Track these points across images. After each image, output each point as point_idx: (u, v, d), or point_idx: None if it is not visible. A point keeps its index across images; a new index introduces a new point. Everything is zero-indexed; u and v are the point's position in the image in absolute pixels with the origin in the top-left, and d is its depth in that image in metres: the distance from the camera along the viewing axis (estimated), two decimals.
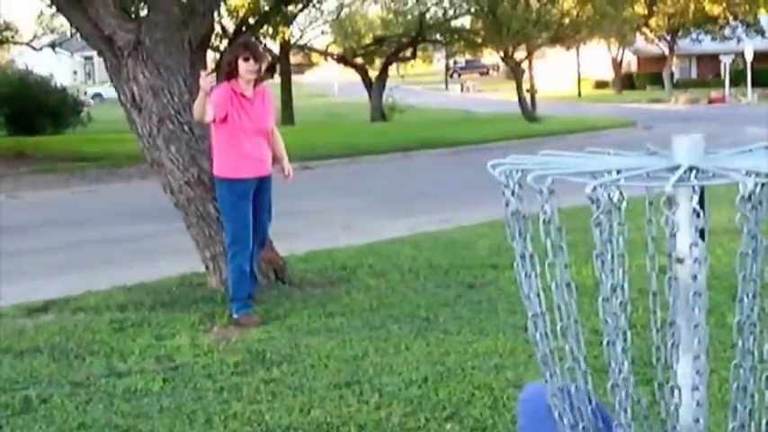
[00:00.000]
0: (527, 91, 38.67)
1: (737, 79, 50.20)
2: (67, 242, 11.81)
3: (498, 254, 9.36)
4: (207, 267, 8.33)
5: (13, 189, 17.92)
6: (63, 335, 7.03)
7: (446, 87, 75.47)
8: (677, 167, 1.77)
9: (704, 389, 1.84)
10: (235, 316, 7.25)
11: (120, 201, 16.42)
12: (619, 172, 1.77)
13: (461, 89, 70.57)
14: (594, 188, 1.69)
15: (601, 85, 65.53)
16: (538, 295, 2.06)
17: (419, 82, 79.58)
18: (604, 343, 1.86)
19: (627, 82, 62.41)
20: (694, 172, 1.77)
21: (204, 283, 8.40)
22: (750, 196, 1.69)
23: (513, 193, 1.82)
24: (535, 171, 1.76)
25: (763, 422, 1.85)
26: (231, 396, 5.57)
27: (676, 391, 1.81)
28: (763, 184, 1.85)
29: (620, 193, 1.77)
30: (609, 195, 1.72)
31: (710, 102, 47.63)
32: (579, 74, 60.09)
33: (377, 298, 7.90)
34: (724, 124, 29.74)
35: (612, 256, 1.81)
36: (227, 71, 7.29)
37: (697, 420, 1.80)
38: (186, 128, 8.07)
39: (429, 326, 7.00)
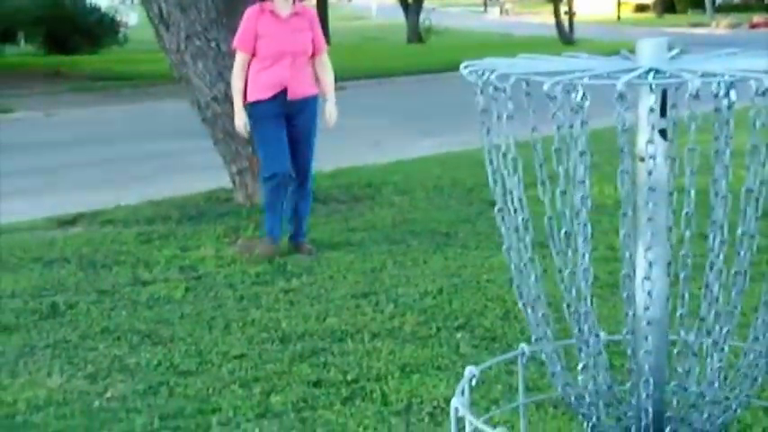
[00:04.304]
0: (565, 14, 38.26)
1: None
2: (99, 159, 12.00)
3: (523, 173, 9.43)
4: (233, 182, 8.49)
5: (49, 107, 18.12)
6: (91, 246, 7.22)
7: (485, 10, 74.73)
8: (637, 69, 1.85)
9: (660, 280, 1.94)
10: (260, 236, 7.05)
11: (152, 119, 16.58)
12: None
13: (500, 12, 69.91)
14: (553, 86, 1.77)
15: (641, 8, 64.65)
16: (513, 197, 2.16)
17: (457, 4, 78.86)
18: (561, 233, 1.96)
19: (668, 5, 61.50)
20: (653, 73, 1.85)
21: (231, 198, 8.57)
22: (697, 94, 1.77)
23: (481, 92, 1.91)
24: (500, 70, 1.85)
25: (712, 312, 1.96)
26: (250, 304, 5.74)
27: (630, 281, 1.92)
28: (729, 86, 1.93)
29: (584, 93, 1.86)
30: (571, 93, 1.81)
31: (753, 26, 46.90)
32: None
33: (399, 214, 8.03)
34: (765, 49, 29.29)
35: (577, 154, 1.91)
36: None
37: (647, 308, 1.91)
38: (213, 44, 8.17)
39: (448, 241, 7.13)
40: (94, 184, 10.19)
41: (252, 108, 6.70)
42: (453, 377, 4.54)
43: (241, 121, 6.70)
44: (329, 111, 6.83)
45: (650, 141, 1.92)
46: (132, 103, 19.29)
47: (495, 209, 2.12)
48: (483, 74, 1.95)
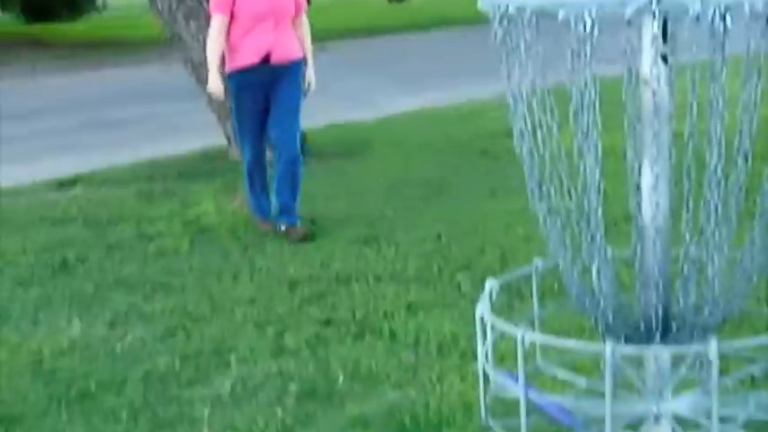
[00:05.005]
0: None
1: None
2: (90, 123, 12.09)
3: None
4: (228, 140, 8.64)
5: (33, 74, 18.16)
6: (93, 205, 7.39)
7: None
8: None
9: (664, 192, 2.14)
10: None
11: (139, 84, 16.62)
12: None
13: None
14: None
15: None
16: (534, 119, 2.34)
17: None
18: (575, 153, 2.15)
19: None
20: (656, 1, 2.03)
21: (226, 155, 8.72)
22: (698, 17, 1.95)
23: (499, 23, 2.09)
24: (516, 2, 2.03)
25: (712, 221, 2.16)
26: (256, 253, 5.93)
27: (638, 190, 2.12)
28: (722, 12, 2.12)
29: (593, 21, 2.03)
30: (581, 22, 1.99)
31: None
32: None
33: (393, 166, 8.22)
34: None
35: (585, 81, 2.09)
36: None
37: (654, 218, 2.11)
38: (206, 4, 8.27)
39: (443, 190, 7.32)
40: (88, 147, 10.31)
41: (231, 79, 6.27)
42: (457, 314, 4.76)
43: (217, 84, 6.20)
44: (308, 76, 6.41)
45: (654, 65, 2.10)
46: (117, 68, 19.31)
47: (515, 131, 2.30)
48: (498, 6, 2.12)
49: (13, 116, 12.83)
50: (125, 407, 3.99)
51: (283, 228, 6.25)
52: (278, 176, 6.31)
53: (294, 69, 6.33)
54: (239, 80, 6.24)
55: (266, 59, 6.21)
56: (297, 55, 6.34)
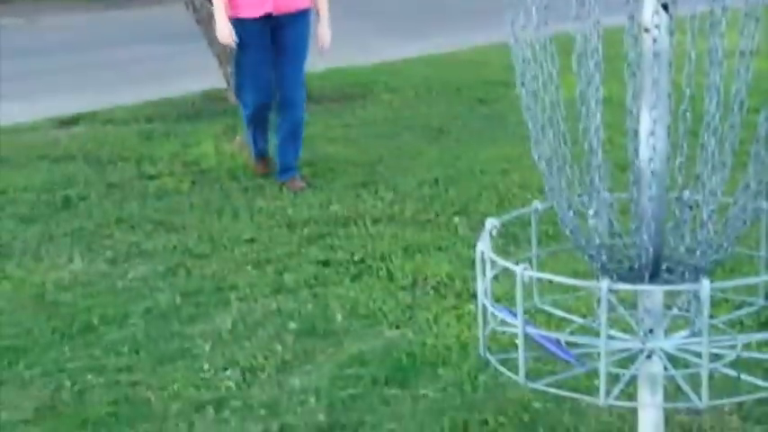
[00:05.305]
0: None
1: None
2: (91, 63, 12.07)
3: (511, 72, 9.63)
4: (228, 82, 8.65)
5: (31, 14, 18.08)
6: (94, 143, 7.43)
7: None
8: None
9: (661, 136, 2.20)
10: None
11: (140, 25, 16.57)
12: None
13: None
14: None
15: None
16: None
17: None
18: (577, 94, 2.21)
19: None
20: None
21: (226, 97, 8.75)
22: None
23: None
24: None
25: (708, 166, 2.23)
26: (255, 194, 6.00)
27: (636, 136, 2.18)
28: None
29: None
30: None
31: None
32: None
33: (392, 111, 8.26)
34: None
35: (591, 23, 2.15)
36: None
37: (651, 160, 2.18)
38: None
39: (441, 135, 7.37)
40: (89, 86, 10.30)
41: (235, 23, 5.94)
42: (454, 256, 4.85)
43: (225, 33, 5.92)
44: (322, 33, 6.11)
45: (656, 13, 2.16)
46: (120, 10, 19.23)
47: (517, 71, 2.35)
48: None
49: (15, 54, 12.81)
50: (127, 341, 4.08)
51: (287, 181, 6.15)
52: (281, 136, 6.21)
53: (299, 21, 6.02)
54: (240, 29, 5.94)
55: (269, 11, 5.95)
56: (301, 5, 6.03)
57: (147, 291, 4.57)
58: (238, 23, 5.93)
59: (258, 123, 6.29)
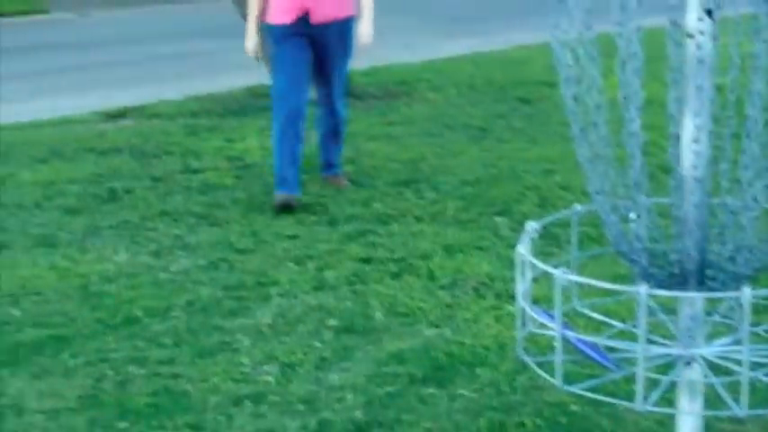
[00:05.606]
0: None
1: None
2: (139, 57, 12.19)
3: (555, 72, 9.60)
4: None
5: (81, 8, 18.27)
6: (140, 137, 7.51)
7: None
8: None
9: (705, 143, 2.20)
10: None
11: (186, 21, 16.70)
12: None
13: None
14: None
15: None
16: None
17: None
18: (620, 97, 2.22)
19: None
20: None
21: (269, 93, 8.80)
22: None
23: None
24: None
25: (749, 172, 2.23)
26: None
27: (677, 140, 2.18)
28: None
29: None
30: None
31: None
32: None
33: (435, 109, 8.28)
34: None
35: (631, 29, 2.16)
36: None
37: (695, 167, 2.18)
38: None
39: (483, 134, 7.37)
40: (136, 80, 10.42)
41: (269, 28, 5.82)
42: (495, 256, 4.85)
43: (252, 43, 5.88)
44: (364, 32, 5.80)
45: (700, 19, 2.16)
46: (169, 4, 19.38)
47: (561, 77, 2.36)
48: None
49: (66, 48, 12.96)
50: (169, 333, 4.13)
51: (328, 177, 6.11)
52: (322, 132, 6.08)
53: (341, 29, 5.77)
54: (277, 31, 5.75)
55: (305, 17, 5.68)
56: (342, 14, 5.76)
57: (189, 284, 4.62)
58: (274, 27, 5.77)
59: (284, 135, 5.70)
